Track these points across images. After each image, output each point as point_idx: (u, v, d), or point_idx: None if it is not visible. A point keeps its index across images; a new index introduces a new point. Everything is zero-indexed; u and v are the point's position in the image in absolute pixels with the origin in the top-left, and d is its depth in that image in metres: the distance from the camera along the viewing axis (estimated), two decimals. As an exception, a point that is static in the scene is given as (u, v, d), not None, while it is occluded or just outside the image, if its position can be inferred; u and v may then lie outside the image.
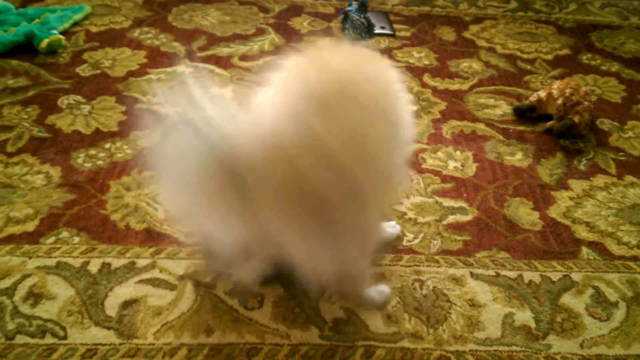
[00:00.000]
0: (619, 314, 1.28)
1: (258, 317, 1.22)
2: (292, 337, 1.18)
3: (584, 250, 1.43)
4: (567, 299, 1.31)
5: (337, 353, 1.16)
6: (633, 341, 1.22)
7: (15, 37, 2.00)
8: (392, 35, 2.32)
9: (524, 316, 1.26)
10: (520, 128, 1.84)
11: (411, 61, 2.15)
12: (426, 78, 2.06)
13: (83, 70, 1.96)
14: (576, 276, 1.36)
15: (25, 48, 2.02)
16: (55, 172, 1.54)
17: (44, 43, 1.98)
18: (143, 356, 1.13)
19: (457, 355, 1.17)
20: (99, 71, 1.96)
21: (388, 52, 2.20)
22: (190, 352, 1.14)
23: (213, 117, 0.88)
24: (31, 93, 1.83)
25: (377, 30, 2.32)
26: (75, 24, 2.21)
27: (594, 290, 1.33)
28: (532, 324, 1.24)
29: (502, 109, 1.93)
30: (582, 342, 1.22)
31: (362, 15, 2.29)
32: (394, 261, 1.36)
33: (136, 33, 2.20)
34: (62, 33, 2.11)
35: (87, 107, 1.79)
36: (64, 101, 1.80)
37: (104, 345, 1.14)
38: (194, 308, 1.22)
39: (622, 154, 1.76)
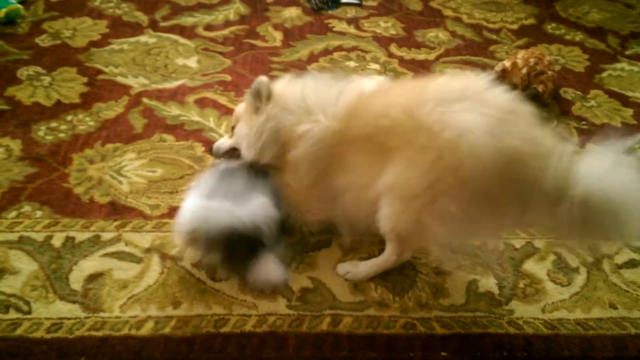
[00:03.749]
0: (580, 279, 1.32)
1: (225, 288, 1.22)
2: (260, 308, 1.19)
3: (547, 217, 1.46)
4: (529, 265, 1.33)
5: (305, 322, 1.17)
6: (593, 305, 1.26)
7: (-30, 6, 1.94)
8: (359, 5, 2.30)
9: (488, 283, 1.28)
10: (486, 98, 1.85)
11: (378, 31, 2.14)
12: (393, 48, 2.05)
13: (43, 41, 1.91)
14: (538, 243, 1.39)
15: (-19, 18, 1.96)
16: (16, 146, 1.50)
17: (1, 13, 1.92)
18: (109, 329, 1.12)
19: (423, 322, 1.19)
20: (59, 41, 1.91)
21: (355, 22, 2.18)
22: (157, 324, 1.14)
23: None
24: (-11, 64, 1.78)
25: (344, 0, 2.30)
26: (34, -8, 2.14)
27: (555, 257, 1.36)
28: (496, 290, 1.27)
29: (468, 78, 1.94)
30: (544, 307, 1.25)
31: (329, -16, 2.27)
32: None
33: (97, 2, 2.14)
34: (21, 2, 2.04)
35: (48, 79, 1.74)
36: (23, 72, 1.76)
37: (69, 319, 1.13)
38: (161, 281, 1.22)
39: (584, 122, 1.78)
